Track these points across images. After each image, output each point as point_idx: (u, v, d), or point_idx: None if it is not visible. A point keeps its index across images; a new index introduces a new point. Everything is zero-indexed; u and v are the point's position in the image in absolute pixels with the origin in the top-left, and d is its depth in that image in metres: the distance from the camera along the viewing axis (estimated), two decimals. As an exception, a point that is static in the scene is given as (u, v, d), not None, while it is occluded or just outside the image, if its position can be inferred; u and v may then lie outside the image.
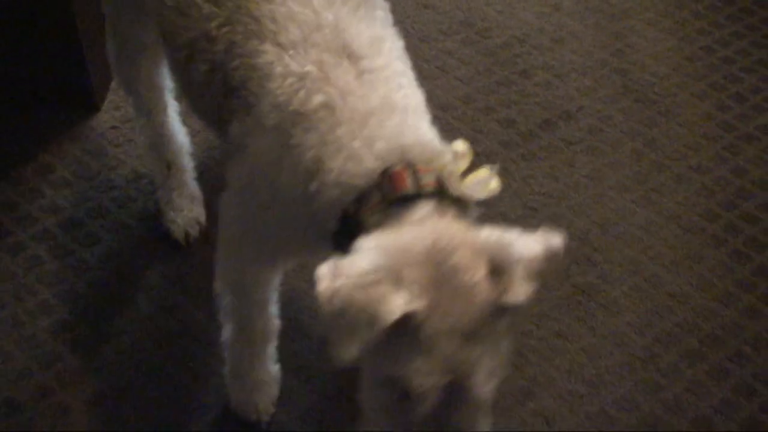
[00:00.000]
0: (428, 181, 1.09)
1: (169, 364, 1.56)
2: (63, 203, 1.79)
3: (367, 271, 0.97)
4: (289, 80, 1.13)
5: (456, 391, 0.99)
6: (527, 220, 1.81)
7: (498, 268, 1.02)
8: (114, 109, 1.97)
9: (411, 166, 1.09)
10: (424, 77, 2.04)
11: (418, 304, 0.98)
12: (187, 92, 1.34)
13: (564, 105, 2.05)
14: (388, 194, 1.08)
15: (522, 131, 1.97)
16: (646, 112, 2.06)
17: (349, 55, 1.14)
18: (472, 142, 1.92)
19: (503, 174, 1.84)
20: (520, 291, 1.00)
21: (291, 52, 1.14)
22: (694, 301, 1.72)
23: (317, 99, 1.12)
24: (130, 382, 1.54)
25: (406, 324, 0.98)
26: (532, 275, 1.01)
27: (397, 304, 0.96)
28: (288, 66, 1.14)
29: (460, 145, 1.13)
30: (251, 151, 1.19)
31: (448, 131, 1.96)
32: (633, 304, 1.71)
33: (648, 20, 2.34)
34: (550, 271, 1.02)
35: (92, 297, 1.66)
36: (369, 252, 1.00)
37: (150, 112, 1.64)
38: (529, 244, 1.02)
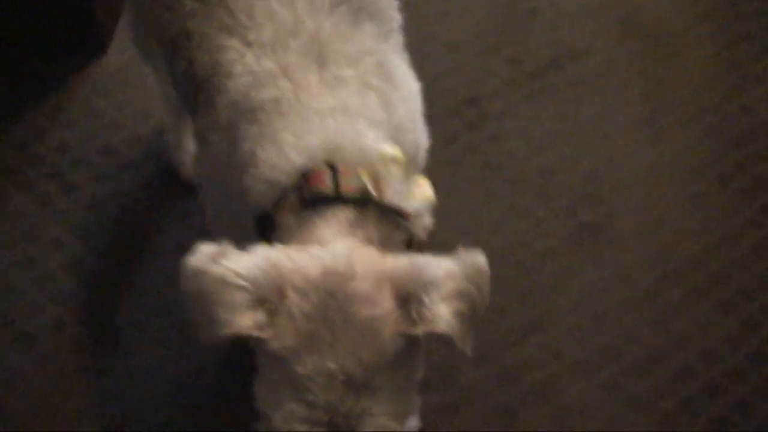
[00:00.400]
0: (349, 184, 1.00)
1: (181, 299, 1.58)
2: (72, 142, 1.80)
3: (242, 275, 0.90)
4: (247, 78, 1.08)
5: None
6: (533, 159, 1.81)
7: (407, 297, 0.91)
8: (120, 53, 1.96)
9: (333, 167, 1.01)
10: (428, 20, 2.04)
11: (267, 333, 0.89)
12: (175, 90, 1.30)
13: (571, 45, 2.04)
14: (303, 194, 1.01)
15: (528, 71, 1.96)
16: (654, 52, 2.05)
17: (320, 61, 1.07)
18: (478, 83, 1.95)
19: (509, 114, 1.89)
20: (438, 315, 0.89)
21: (257, 51, 1.08)
22: (701, 239, 1.72)
23: (268, 93, 1.06)
24: (144, 315, 1.57)
25: (277, 356, 0.90)
26: (452, 297, 0.90)
27: (243, 321, 0.89)
28: (248, 65, 1.08)
29: (390, 149, 1.05)
30: (210, 149, 1.15)
31: (453, 73, 1.98)
32: (639, 241, 1.72)
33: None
34: (476, 292, 0.92)
35: (102, 233, 1.67)
36: (259, 258, 0.92)
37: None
38: (444, 265, 0.92)
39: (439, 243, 1.44)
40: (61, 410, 1.48)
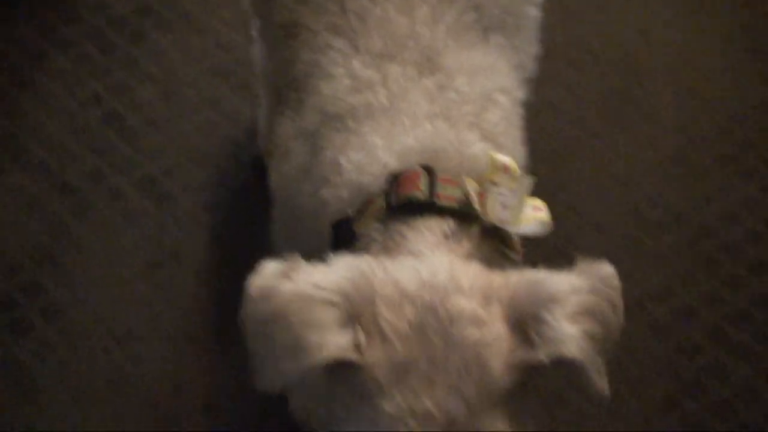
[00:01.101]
0: (448, 192, 0.86)
1: (216, 149, 1.64)
2: (109, 2, 1.82)
3: (325, 287, 0.73)
4: (345, 82, 0.95)
5: None
6: (567, 27, 1.81)
7: (522, 318, 0.75)
8: None
9: (431, 172, 0.87)
10: None
11: (362, 357, 0.73)
12: (272, 78, 1.22)
13: None
14: (392, 198, 0.86)
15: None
16: None
17: (428, 69, 0.94)
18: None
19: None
20: (565, 335, 0.72)
21: (364, 58, 0.95)
22: (730, 108, 1.73)
23: (361, 98, 0.93)
24: (179, 163, 1.63)
25: (364, 390, 0.74)
26: (579, 315, 0.74)
27: (339, 340, 0.72)
28: (351, 70, 0.95)
29: (504, 158, 0.88)
30: (289, 158, 1.02)
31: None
32: (668, 108, 1.73)
33: None
34: (608, 309, 0.77)
35: (140, 89, 1.71)
36: (341, 268, 0.75)
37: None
38: (567, 279, 0.76)
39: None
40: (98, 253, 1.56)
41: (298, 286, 0.73)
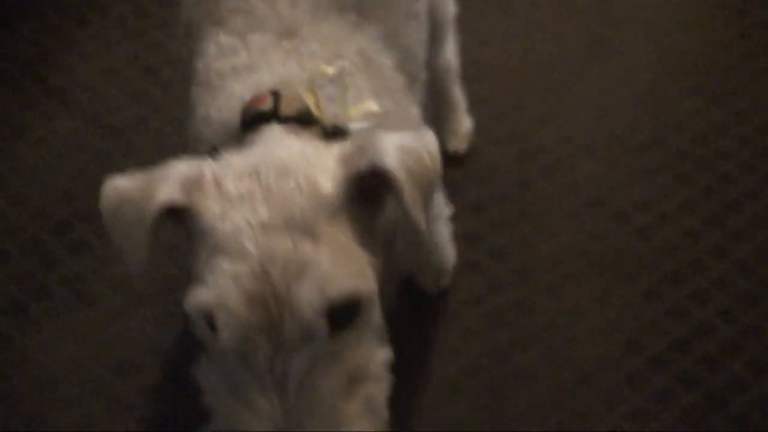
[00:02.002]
0: (292, 107, 0.96)
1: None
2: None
3: (165, 172, 0.87)
4: (212, 51, 1.07)
5: (279, 315, 0.78)
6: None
7: (348, 157, 0.86)
8: None
9: (277, 93, 0.97)
10: None
11: (186, 198, 0.84)
12: None
13: None
14: (245, 118, 0.97)
15: None
16: None
17: (286, 36, 1.05)
18: None
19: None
20: (383, 149, 0.84)
21: (230, 32, 1.07)
22: (696, 46, 1.95)
23: (225, 61, 1.05)
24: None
25: (207, 230, 0.83)
26: (398, 149, 0.84)
27: (165, 192, 0.84)
28: (218, 41, 1.08)
29: (331, 69, 1.00)
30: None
31: None
32: (641, 49, 1.94)
33: None
34: (427, 157, 0.87)
35: (172, 47, 1.92)
36: (181, 164, 0.87)
37: None
38: (396, 137, 0.86)
39: (463, 53, 1.71)
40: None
41: (137, 180, 0.88)
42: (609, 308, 1.63)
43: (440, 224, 1.54)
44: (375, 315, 0.86)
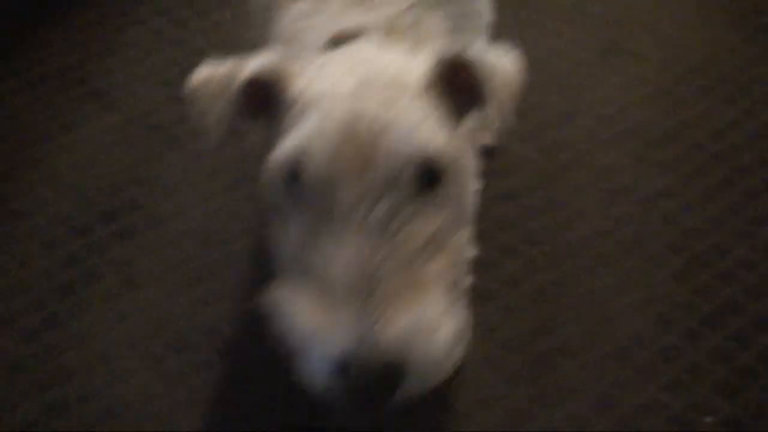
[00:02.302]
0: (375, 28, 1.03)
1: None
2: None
3: (252, 59, 0.92)
4: (294, 14, 1.14)
5: (364, 163, 0.82)
6: (565, -3, 2.15)
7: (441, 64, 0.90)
8: None
9: (356, 33, 1.04)
10: None
11: (274, 70, 0.89)
12: None
13: None
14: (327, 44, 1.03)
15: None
16: None
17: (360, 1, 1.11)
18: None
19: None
20: (479, 51, 0.89)
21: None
22: (705, 50, 2.06)
23: (306, 23, 1.11)
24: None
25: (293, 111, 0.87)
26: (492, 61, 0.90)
27: (252, 65, 0.91)
28: (298, 8, 1.15)
29: (407, 16, 1.09)
30: None
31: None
32: (653, 53, 2.06)
33: None
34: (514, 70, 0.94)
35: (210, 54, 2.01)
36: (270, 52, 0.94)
37: None
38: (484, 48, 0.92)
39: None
40: (187, 172, 1.81)
41: (227, 64, 0.95)
42: (640, 288, 1.69)
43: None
44: (459, 192, 0.88)
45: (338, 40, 1.01)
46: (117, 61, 1.99)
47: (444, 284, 0.83)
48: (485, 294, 1.66)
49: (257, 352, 1.61)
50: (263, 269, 1.70)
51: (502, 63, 0.92)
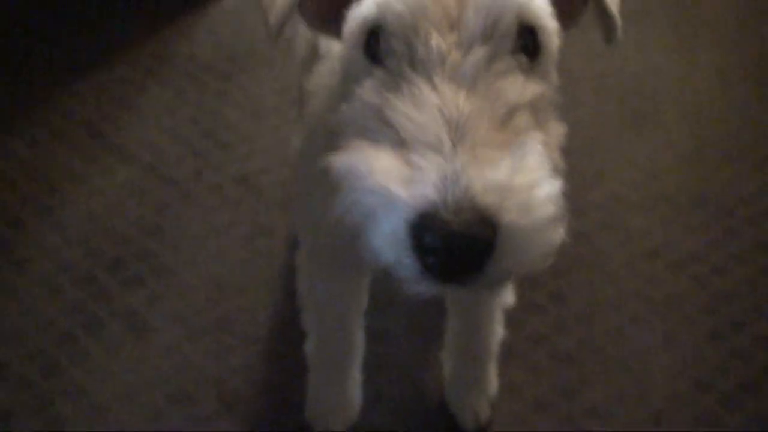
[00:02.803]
0: None
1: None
2: (199, 53, 2.14)
3: None
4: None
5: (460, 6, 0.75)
6: (588, 66, 2.15)
7: None
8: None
9: None
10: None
11: None
12: None
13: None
14: None
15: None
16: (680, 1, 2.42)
17: None
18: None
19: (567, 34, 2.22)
20: None
21: None
22: (729, 119, 2.03)
23: None
24: (263, 165, 1.87)
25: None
26: None
27: None
28: None
29: None
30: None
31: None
32: (678, 121, 2.03)
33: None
34: None
35: (230, 113, 1.99)
36: None
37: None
38: None
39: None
40: (201, 228, 1.75)
41: None
42: (675, 349, 1.59)
43: (497, 313, 1.43)
44: (555, 77, 0.82)
45: None
46: (137, 117, 1.97)
47: (543, 155, 0.72)
48: (512, 352, 1.56)
49: (264, 407, 1.50)
50: (276, 323, 1.61)
51: None
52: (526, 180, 0.67)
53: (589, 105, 2.06)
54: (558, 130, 0.79)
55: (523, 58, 0.77)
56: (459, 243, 0.64)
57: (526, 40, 0.78)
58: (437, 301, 1.60)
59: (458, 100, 0.69)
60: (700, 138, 2.00)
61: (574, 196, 1.83)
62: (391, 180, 0.67)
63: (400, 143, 0.69)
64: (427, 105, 0.69)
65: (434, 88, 0.70)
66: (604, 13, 0.87)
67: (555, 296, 1.67)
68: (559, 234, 0.70)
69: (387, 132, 0.71)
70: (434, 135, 0.67)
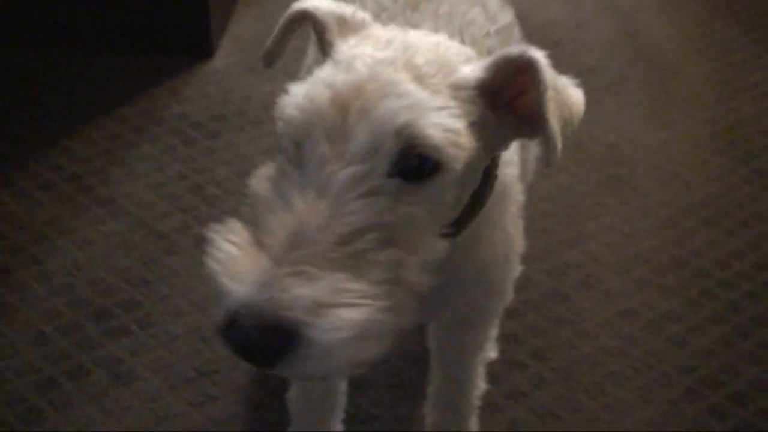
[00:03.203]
0: None
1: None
2: (189, 112, 2.19)
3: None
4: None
5: (355, 121, 0.81)
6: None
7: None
8: (225, 57, 2.41)
9: None
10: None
11: (327, 25, 0.93)
12: None
13: (589, 65, 2.50)
14: None
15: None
16: (655, 71, 2.51)
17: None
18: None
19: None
20: (539, 57, 0.85)
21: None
22: (704, 186, 2.10)
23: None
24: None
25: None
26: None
27: (321, 3, 0.95)
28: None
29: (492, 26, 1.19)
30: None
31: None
32: (655, 187, 2.09)
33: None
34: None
35: (218, 170, 2.03)
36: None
37: None
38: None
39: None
40: (186, 281, 1.77)
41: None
42: (652, 405, 1.62)
43: (479, 368, 1.45)
44: (449, 197, 0.84)
45: None
46: (127, 172, 2.01)
47: (383, 275, 0.77)
48: (491, 407, 1.58)
49: (248, 457, 1.50)
50: (258, 372, 1.62)
51: (564, 81, 0.89)
52: (338, 300, 0.74)
53: (569, 171, 2.12)
54: (435, 247, 0.83)
55: (396, 182, 0.80)
56: (245, 343, 0.74)
57: (413, 160, 0.81)
58: (420, 356, 1.62)
59: (312, 212, 0.76)
60: (676, 204, 2.06)
61: (552, 258, 1.89)
62: (229, 270, 0.77)
63: (257, 236, 0.78)
64: (286, 208, 0.77)
65: (300, 194, 0.77)
66: (546, 136, 0.86)
67: (535, 354, 1.69)
68: (374, 351, 0.77)
69: (256, 212, 0.80)
70: (275, 238, 0.75)
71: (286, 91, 0.86)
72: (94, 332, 1.67)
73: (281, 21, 0.99)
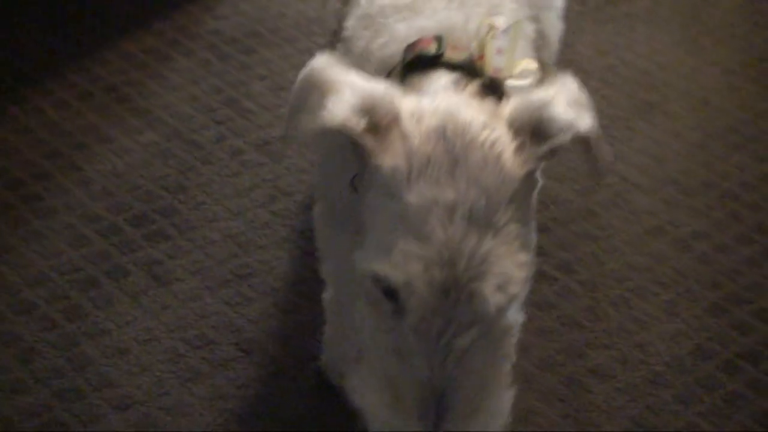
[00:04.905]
0: (455, 54, 0.98)
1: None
2: (222, 28, 2.20)
3: (358, 85, 0.88)
4: None
5: (457, 301, 0.84)
6: (599, 59, 2.21)
7: (524, 125, 0.88)
8: None
9: (441, 39, 0.99)
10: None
11: (374, 146, 0.85)
12: None
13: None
14: (406, 58, 0.99)
15: (593, 6, 2.40)
16: None
17: None
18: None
19: (581, 32, 2.29)
20: (571, 119, 0.88)
21: None
22: (733, 111, 2.10)
23: (388, 1, 1.08)
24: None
25: (387, 185, 0.85)
26: (570, 104, 0.90)
27: (350, 118, 0.85)
28: None
29: (500, 20, 1.02)
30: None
31: None
32: (685, 111, 2.09)
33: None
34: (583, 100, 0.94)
35: (253, 84, 2.05)
36: (377, 84, 0.90)
37: None
38: (551, 88, 0.91)
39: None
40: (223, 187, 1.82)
41: (339, 75, 0.90)
42: (676, 319, 1.65)
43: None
44: (522, 291, 0.93)
45: (416, 56, 0.99)
46: (163, 85, 2.03)
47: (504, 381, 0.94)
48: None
49: (279, 354, 1.56)
50: (293, 278, 1.67)
51: (579, 103, 0.94)
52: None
53: (600, 94, 2.12)
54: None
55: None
56: None
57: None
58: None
59: (442, 374, 0.86)
60: (706, 129, 2.06)
61: (581, 177, 1.91)
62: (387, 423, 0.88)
63: (394, 390, 0.89)
64: (416, 373, 0.87)
65: (426, 363, 0.86)
66: (594, 159, 0.95)
67: (562, 267, 1.73)
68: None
69: (386, 371, 0.89)
70: (419, 400, 0.87)
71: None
72: (134, 235, 1.71)
73: (304, 116, 0.91)
